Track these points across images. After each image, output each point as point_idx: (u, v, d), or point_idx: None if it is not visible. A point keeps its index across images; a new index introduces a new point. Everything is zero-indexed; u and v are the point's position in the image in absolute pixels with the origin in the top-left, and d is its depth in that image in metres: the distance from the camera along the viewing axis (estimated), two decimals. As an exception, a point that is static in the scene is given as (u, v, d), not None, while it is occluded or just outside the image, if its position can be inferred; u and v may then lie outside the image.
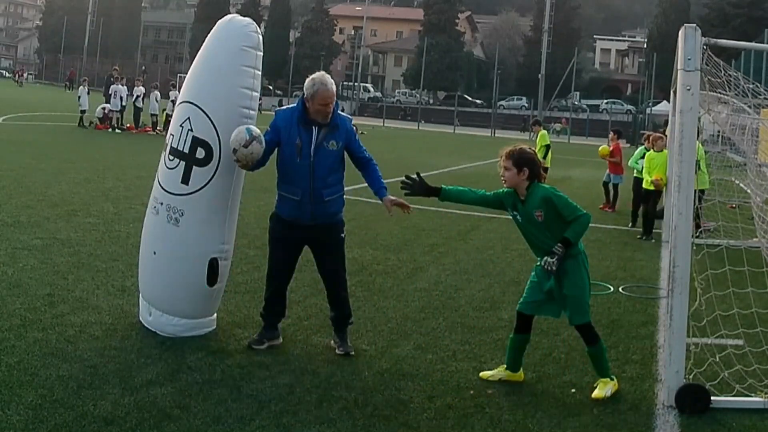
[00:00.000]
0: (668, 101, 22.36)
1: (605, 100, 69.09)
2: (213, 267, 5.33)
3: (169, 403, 4.24)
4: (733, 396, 4.80)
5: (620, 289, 7.86)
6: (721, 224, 6.54)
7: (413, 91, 74.91)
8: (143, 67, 74.28)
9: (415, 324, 6.17)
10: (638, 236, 11.48)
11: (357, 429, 4.13)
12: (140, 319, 5.61)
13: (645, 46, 74.46)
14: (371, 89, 79.98)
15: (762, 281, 5.94)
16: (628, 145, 37.18)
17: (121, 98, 26.25)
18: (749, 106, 6.23)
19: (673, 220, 4.74)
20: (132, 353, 4.99)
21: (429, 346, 5.61)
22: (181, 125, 5.31)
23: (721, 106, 6.54)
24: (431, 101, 74.83)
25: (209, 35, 5.49)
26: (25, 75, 77.05)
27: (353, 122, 5.46)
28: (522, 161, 4.73)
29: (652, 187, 11.40)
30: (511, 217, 4.95)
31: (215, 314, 5.65)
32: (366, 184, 5.45)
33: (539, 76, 63.47)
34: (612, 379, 4.89)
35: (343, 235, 5.41)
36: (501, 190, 4.93)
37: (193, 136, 5.23)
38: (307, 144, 5.11)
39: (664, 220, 10.98)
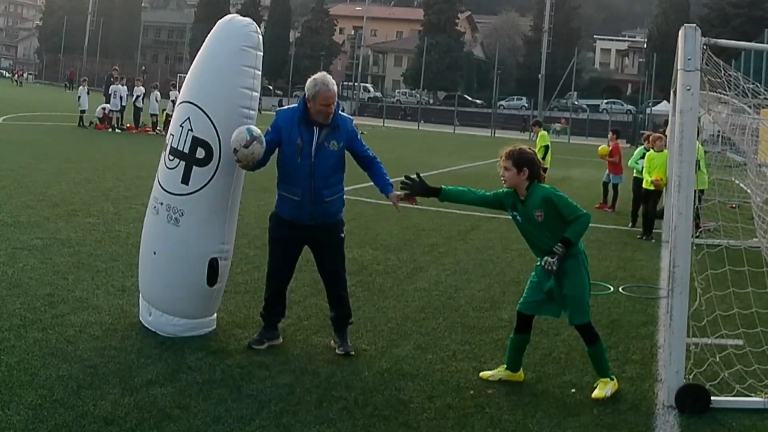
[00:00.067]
0: (668, 101, 22.36)
1: (605, 100, 69.03)
2: (213, 267, 5.33)
3: (169, 403, 4.24)
4: (733, 396, 4.80)
5: (620, 289, 7.86)
6: (721, 224, 6.54)
7: (413, 91, 74.83)
8: (143, 67, 74.21)
9: (415, 324, 6.17)
10: (638, 236, 11.48)
11: (357, 429, 4.13)
12: (140, 319, 5.62)
13: (645, 46, 74.43)
14: (371, 89, 79.90)
15: (762, 281, 5.93)
16: (628, 145, 37.20)
17: (121, 98, 26.25)
18: (749, 106, 6.24)
19: (673, 220, 4.74)
20: (132, 353, 4.99)
21: (429, 346, 5.61)
22: (181, 125, 5.32)
23: (721, 106, 6.55)
24: (431, 101, 74.77)
25: (209, 35, 5.50)
26: (24, 75, 77.05)
27: (353, 123, 5.46)
28: (522, 161, 4.73)
29: (652, 187, 11.40)
30: (511, 217, 4.95)
31: (215, 314, 5.65)
32: (366, 185, 5.46)
33: (539, 76, 63.44)
34: (612, 379, 4.89)
35: (343, 235, 5.42)
36: (501, 191, 4.93)
37: (193, 136, 5.24)
38: (308, 144, 5.11)
39: (664, 220, 10.98)
